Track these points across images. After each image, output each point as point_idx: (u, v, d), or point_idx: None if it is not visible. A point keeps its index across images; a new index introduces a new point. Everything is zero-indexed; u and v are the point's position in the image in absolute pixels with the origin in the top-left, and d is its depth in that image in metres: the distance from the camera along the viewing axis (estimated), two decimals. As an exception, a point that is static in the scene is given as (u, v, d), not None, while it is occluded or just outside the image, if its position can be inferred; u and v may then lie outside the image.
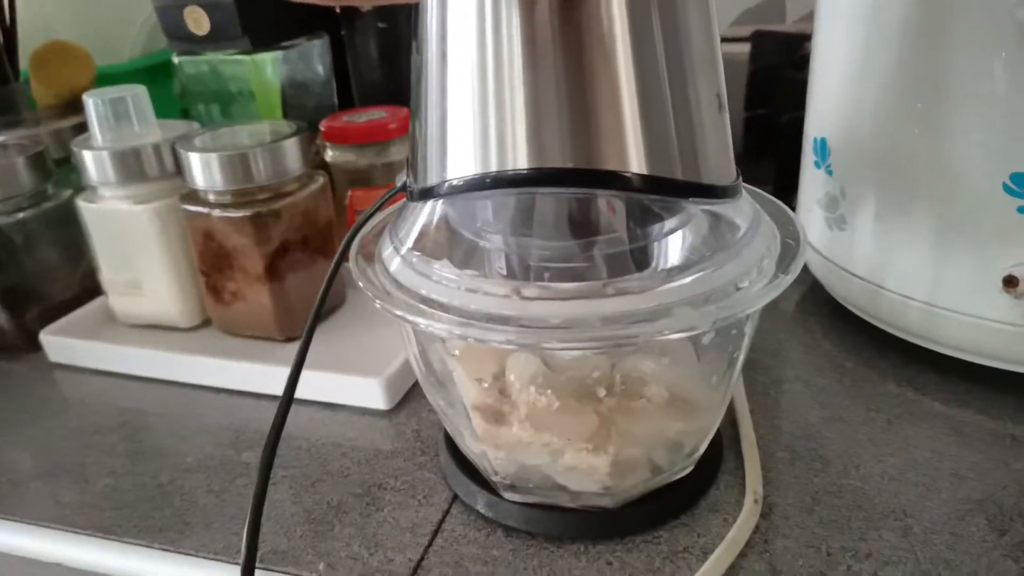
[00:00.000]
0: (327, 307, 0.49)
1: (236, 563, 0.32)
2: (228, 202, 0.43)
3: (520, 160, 0.26)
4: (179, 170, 0.45)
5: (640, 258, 0.29)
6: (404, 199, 0.32)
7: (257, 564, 0.31)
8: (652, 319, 0.26)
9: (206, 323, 0.49)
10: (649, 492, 0.33)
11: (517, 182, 0.27)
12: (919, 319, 0.38)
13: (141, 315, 0.49)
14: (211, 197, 0.44)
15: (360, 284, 0.30)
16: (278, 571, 0.32)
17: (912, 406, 0.38)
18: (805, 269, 0.48)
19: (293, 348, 0.33)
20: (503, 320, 0.26)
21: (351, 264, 0.32)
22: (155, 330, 0.48)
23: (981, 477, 0.33)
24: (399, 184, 0.33)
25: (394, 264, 0.30)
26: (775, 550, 0.31)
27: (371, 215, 0.35)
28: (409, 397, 0.42)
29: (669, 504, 0.33)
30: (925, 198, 0.37)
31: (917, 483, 0.33)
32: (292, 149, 0.44)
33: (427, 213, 0.31)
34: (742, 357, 0.31)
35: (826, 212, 0.42)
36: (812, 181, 0.43)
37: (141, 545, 0.34)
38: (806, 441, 0.37)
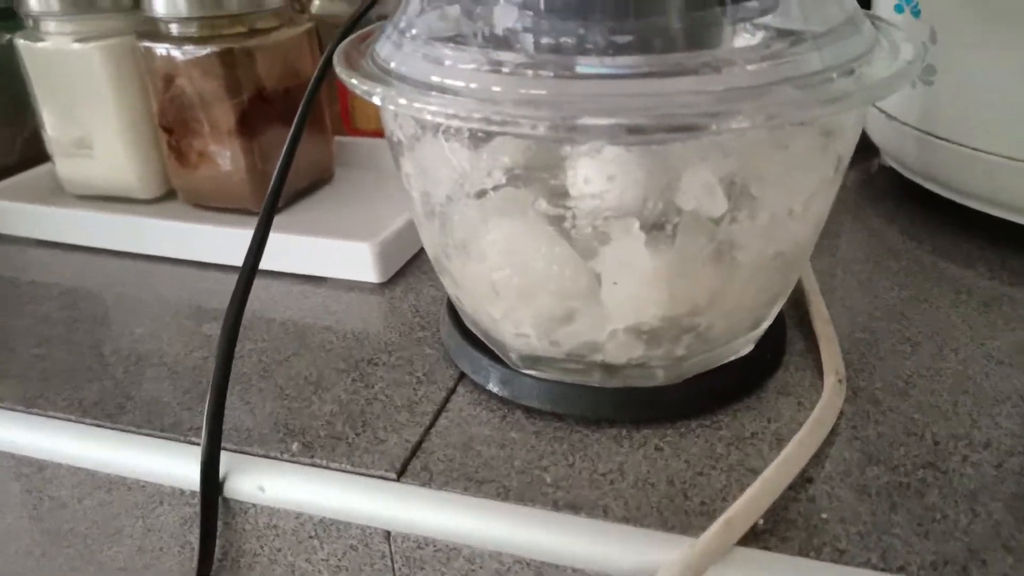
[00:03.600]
0: (313, 181, 0.42)
1: (185, 440, 0.26)
2: (193, 35, 0.36)
3: None
4: (137, 1, 0.37)
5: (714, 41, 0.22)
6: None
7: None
8: (749, 99, 0.19)
9: (170, 195, 0.42)
10: (701, 373, 0.26)
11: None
12: (1025, 185, 0.32)
13: (92, 183, 0.41)
14: (173, 30, 0.36)
15: (349, 83, 0.23)
16: (236, 451, 0.25)
17: (1009, 290, 0.32)
18: (868, 149, 0.41)
19: (272, 227, 0.27)
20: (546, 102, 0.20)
21: (336, 66, 0.25)
22: (109, 202, 0.41)
23: (1112, 362, 0.27)
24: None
25: (393, 57, 0.23)
26: (868, 437, 0.24)
27: (362, 15, 0.28)
28: (406, 271, 0.35)
29: (728, 384, 0.26)
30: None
31: (1034, 367, 0.27)
32: (270, -26, 0.36)
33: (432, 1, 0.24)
34: (835, 191, 0.25)
35: (908, 65, 0.35)
36: (892, 29, 0.36)
37: (70, 420, 0.27)
38: (887, 322, 0.30)
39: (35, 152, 0.43)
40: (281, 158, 0.28)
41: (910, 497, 0.22)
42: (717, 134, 0.19)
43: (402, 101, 0.21)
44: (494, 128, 0.20)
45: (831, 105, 0.20)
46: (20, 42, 0.39)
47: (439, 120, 0.21)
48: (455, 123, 0.21)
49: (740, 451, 0.24)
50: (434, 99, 0.21)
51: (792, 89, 0.20)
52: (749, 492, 0.22)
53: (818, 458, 0.24)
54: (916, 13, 0.35)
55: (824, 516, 0.22)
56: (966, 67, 0.33)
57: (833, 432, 0.24)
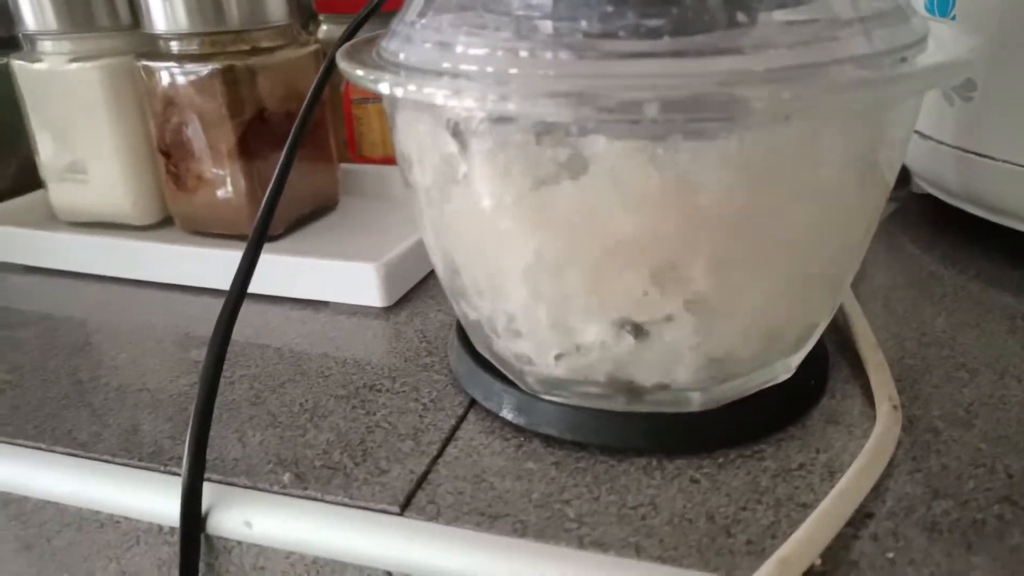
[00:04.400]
0: (316, 208, 0.40)
1: (165, 470, 0.23)
2: (194, 52, 0.35)
3: None
4: (136, 21, 0.36)
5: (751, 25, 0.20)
6: None
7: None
8: (795, 79, 0.17)
9: (167, 222, 0.40)
10: (739, 400, 0.24)
11: None
12: (1080, 202, 0.30)
13: (86, 209, 0.40)
14: (173, 47, 0.35)
15: (354, 75, 0.21)
16: (221, 482, 0.22)
17: (1068, 316, 0.29)
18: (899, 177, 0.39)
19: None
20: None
21: (339, 61, 0.23)
22: (103, 228, 0.39)
23: None
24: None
25: (402, 50, 0.22)
26: (931, 469, 0.22)
27: (369, 15, 0.26)
28: (412, 296, 0.33)
29: (770, 411, 0.24)
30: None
31: (1109, 395, 0.24)
32: (275, -10, 0.35)
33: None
34: (887, 192, 0.23)
35: (945, 82, 0.33)
36: (927, 44, 0.34)
37: (39, 448, 0.24)
38: (938, 348, 0.27)
39: (30, 179, 0.42)
40: (277, 169, 0.25)
41: (988, 536, 0.19)
42: (765, 115, 0.17)
43: (411, 87, 0.19)
44: (511, 112, 0.18)
45: (891, 86, 0.18)
46: (15, 63, 0.38)
47: (451, 103, 0.18)
48: (468, 106, 0.18)
49: (788, 484, 0.21)
50: (445, 83, 0.19)
51: (852, 68, 0.18)
52: (804, 528, 0.19)
53: (877, 491, 0.21)
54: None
55: (890, 556, 0.19)
56: (1011, 79, 0.31)
57: (891, 464, 0.22)
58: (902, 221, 0.39)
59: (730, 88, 0.16)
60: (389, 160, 0.45)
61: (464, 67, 0.19)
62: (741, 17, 0.18)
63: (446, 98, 0.18)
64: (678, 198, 0.19)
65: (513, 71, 0.19)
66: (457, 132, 0.20)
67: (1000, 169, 0.32)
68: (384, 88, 0.20)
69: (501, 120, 0.19)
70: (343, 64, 0.22)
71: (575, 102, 0.17)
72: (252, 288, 0.31)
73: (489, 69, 0.19)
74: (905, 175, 0.40)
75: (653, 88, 0.16)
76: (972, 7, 0.32)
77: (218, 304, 0.24)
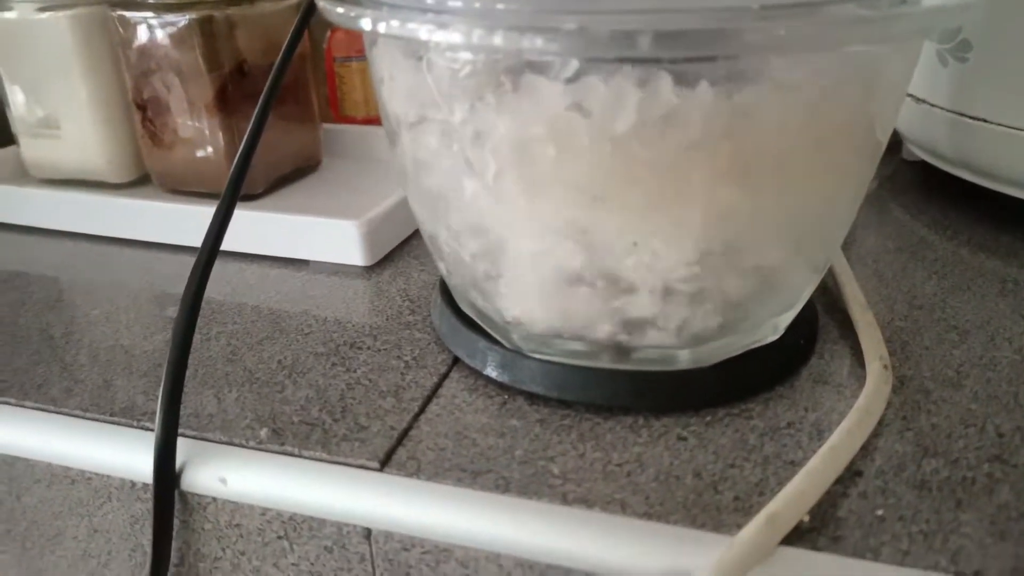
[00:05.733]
0: (297, 167, 0.39)
1: (138, 426, 0.22)
2: (171, 2, 0.33)
3: None
4: (110, -31, 0.35)
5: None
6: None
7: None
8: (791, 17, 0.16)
9: (143, 180, 0.39)
10: (727, 359, 0.23)
11: None
12: (1073, 165, 0.29)
13: (60, 165, 0.38)
14: (148, -4, 0.34)
15: (334, 13, 0.20)
16: (196, 437, 0.22)
17: (1059, 280, 0.29)
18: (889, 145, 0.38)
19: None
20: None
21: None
22: (78, 186, 0.38)
23: None
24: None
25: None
26: (921, 428, 0.21)
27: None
28: (395, 256, 0.32)
29: (759, 370, 0.23)
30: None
31: (1099, 356, 0.24)
32: (255, -63, 0.34)
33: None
34: (879, 152, 0.22)
35: (939, 43, 0.33)
36: (922, 4, 0.34)
37: (7, 403, 0.24)
38: (930, 311, 0.27)
39: (2, 135, 0.40)
40: (253, 118, 0.25)
41: (978, 494, 0.19)
42: (760, 51, 0.16)
43: (394, 23, 0.18)
44: (498, 47, 0.17)
45: (890, 25, 0.17)
46: (-16, 12, 0.36)
47: (436, 39, 0.18)
48: (454, 41, 0.18)
49: (776, 442, 0.21)
50: (430, 18, 0.18)
51: (852, 7, 0.17)
52: (792, 485, 0.18)
53: (866, 450, 0.20)
54: (949, -14, 0.32)
55: (879, 513, 0.18)
56: (1008, 39, 0.30)
57: (881, 423, 0.21)
58: (892, 188, 0.39)
59: (726, 23, 0.16)
60: (372, 120, 0.44)
61: (450, 3, 0.18)
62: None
63: (430, 33, 0.17)
64: (669, 143, 0.18)
65: (500, 5, 0.18)
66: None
67: (994, 132, 0.31)
68: (366, 24, 0.19)
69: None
70: (322, 2, 0.21)
71: (565, 36, 0.16)
72: (230, 246, 0.31)
73: (476, 4, 0.18)
74: (896, 143, 0.39)
75: (646, 21, 0.16)
76: (970, -35, 0.31)
77: (194, 261, 0.24)
